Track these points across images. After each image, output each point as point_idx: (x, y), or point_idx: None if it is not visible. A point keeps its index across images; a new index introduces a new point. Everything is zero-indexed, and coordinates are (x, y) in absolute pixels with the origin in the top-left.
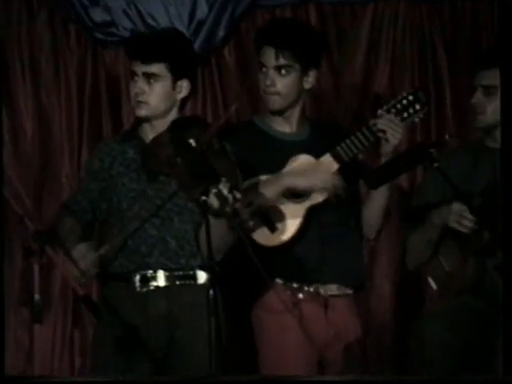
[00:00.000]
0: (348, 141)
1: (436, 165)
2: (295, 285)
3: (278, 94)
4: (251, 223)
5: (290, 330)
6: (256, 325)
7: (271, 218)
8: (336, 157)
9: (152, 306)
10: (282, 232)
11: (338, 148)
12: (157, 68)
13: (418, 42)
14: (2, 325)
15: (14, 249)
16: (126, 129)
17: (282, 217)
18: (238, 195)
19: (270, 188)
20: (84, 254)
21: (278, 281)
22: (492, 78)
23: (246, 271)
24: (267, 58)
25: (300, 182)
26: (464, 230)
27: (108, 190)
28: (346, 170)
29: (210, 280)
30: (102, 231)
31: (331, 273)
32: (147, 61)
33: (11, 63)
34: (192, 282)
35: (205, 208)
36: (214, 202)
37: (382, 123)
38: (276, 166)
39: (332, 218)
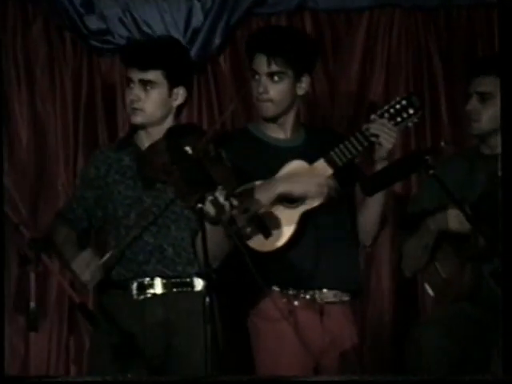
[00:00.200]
0: (341, 146)
1: (431, 172)
2: (291, 292)
3: (270, 100)
4: (248, 230)
5: (285, 337)
6: (252, 332)
7: (265, 224)
8: (330, 162)
9: (149, 314)
10: (277, 237)
11: (332, 153)
12: (153, 75)
13: (413, 50)
14: (2, 325)
15: (10, 256)
16: (121, 136)
17: (276, 222)
18: (235, 202)
19: (264, 194)
20: (89, 262)
21: (275, 288)
22: (487, 84)
23: (243, 278)
24: (259, 65)
25: (294, 188)
26: (464, 231)
27: (104, 197)
28: (342, 175)
29: (206, 287)
30: (97, 239)
31: (327, 278)
32: (144, 68)
33: (6, 71)
34: (189, 289)
35: (201, 215)
36: (210, 209)
37: (374, 127)
38: (271, 172)
39: (327, 223)
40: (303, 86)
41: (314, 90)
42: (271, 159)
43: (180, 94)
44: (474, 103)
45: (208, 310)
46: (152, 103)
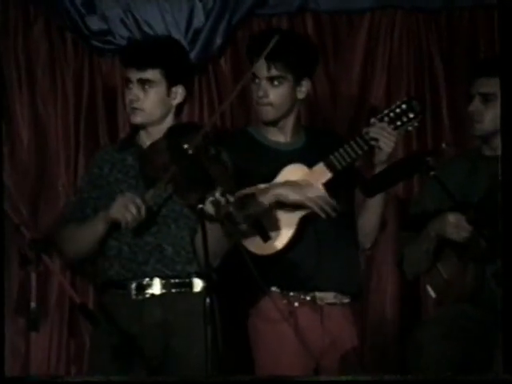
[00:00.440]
0: (341, 150)
1: (432, 173)
2: (292, 293)
3: (270, 104)
4: (244, 226)
5: (285, 338)
6: (252, 333)
7: (264, 228)
8: (329, 166)
9: (147, 314)
10: (276, 241)
11: (332, 157)
12: (151, 74)
13: (414, 51)
14: (2, 325)
15: (11, 257)
16: (123, 136)
17: (275, 226)
18: (231, 198)
19: (262, 197)
20: (127, 202)
21: (275, 289)
22: (490, 85)
23: (243, 279)
24: (259, 69)
25: (291, 196)
26: (461, 240)
27: (105, 196)
28: (341, 178)
29: (206, 288)
30: None
31: (327, 280)
32: (142, 67)
33: (7, 71)
34: (188, 289)
35: (202, 216)
36: (210, 209)
37: (374, 131)
38: (271, 175)
39: (328, 226)
40: (303, 90)
41: (315, 91)
42: (271, 162)
43: (179, 92)
44: (476, 104)
45: (208, 311)
46: (151, 102)
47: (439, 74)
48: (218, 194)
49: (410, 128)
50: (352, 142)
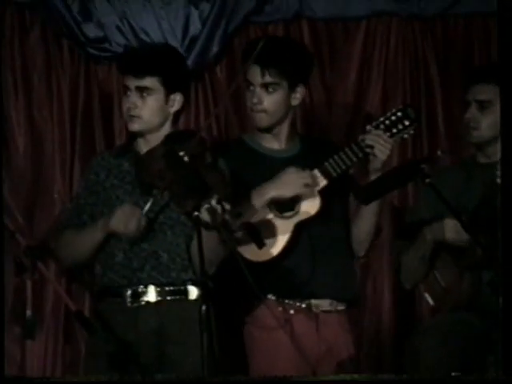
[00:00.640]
0: (336, 157)
1: (428, 180)
2: (287, 301)
3: (264, 111)
4: (239, 233)
5: (281, 345)
6: (248, 340)
7: (259, 234)
8: (324, 173)
9: (143, 322)
10: (271, 248)
11: (326, 164)
12: (149, 82)
13: (410, 59)
14: (2, 325)
15: (6, 264)
16: (121, 143)
17: (270, 232)
18: (227, 206)
19: (257, 199)
20: (129, 214)
21: (270, 297)
22: (486, 92)
23: (238, 287)
24: (253, 75)
25: (285, 192)
26: (461, 244)
27: (101, 202)
28: (336, 185)
29: (202, 295)
30: None
31: (323, 287)
32: (140, 75)
33: (4, 78)
34: (183, 297)
35: (197, 223)
36: (206, 217)
37: (369, 138)
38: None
39: (322, 233)
40: (297, 97)
41: (311, 98)
42: (266, 170)
43: (177, 100)
44: (473, 111)
45: (204, 318)
46: (149, 110)
47: (435, 81)
48: (213, 202)
49: (405, 136)
50: (347, 149)
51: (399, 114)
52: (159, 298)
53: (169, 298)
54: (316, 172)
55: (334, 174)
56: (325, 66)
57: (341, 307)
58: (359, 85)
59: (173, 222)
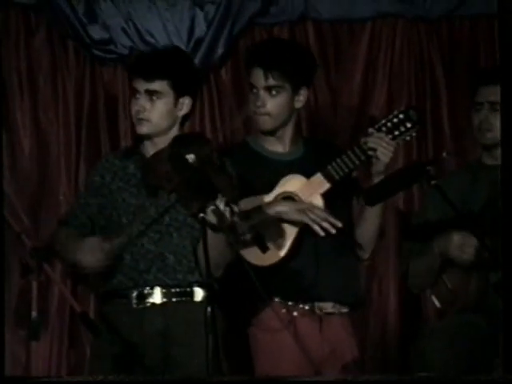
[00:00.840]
0: (339, 160)
1: (433, 182)
2: (290, 303)
3: (268, 114)
4: (248, 236)
5: (285, 347)
6: (252, 343)
7: (263, 239)
8: (327, 176)
9: (148, 323)
10: (275, 251)
11: (329, 167)
12: (159, 85)
13: (415, 61)
14: (2, 324)
15: (12, 266)
16: (126, 146)
17: (274, 236)
18: (236, 209)
19: (266, 210)
20: (94, 247)
21: (275, 299)
22: (498, 93)
23: (243, 289)
24: (257, 78)
25: (291, 215)
26: (463, 262)
27: (108, 205)
28: (340, 188)
29: (208, 297)
30: None
31: (326, 290)
32: (150, 78)
33: (9, 80)
34: (189, 298)
35: (203, 225)
36: (212, 218)
37: (372, 141)
38: (269, 186)
39: (326, 236)
40: (301, 99)
41: (316, 100)
42: (270, 173)
43: (186, 103)
44: (485, 113)
45: (209, 320)
46: (158, 113)
47: (440, 82)
48: (221, 204)
49: (407, 138)
50: (349, 152)
51: (401, 116)
52: (165, 300)
53: (174, 299)
54: (319, 175)
55: (337, 177)
56: (330, 67)
57: (344, 310)
58: (364, 86)
59: (179, 224)
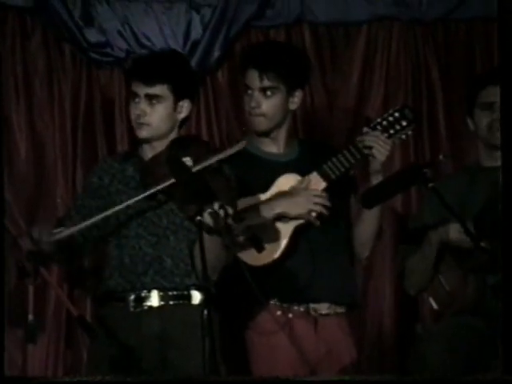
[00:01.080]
0: (334, 159)
1: (430, 185)
2: (285, 304)
3: (263, 115)
4: (241, 238)
5: (280, 349)
6: (248, 346)
7: (259, 238)
8: (323, 175)
9: (145, 326)
10: (270, 252)
11: (325, 166)
12: (160, 89)
13: (411, 63)
14: (2, 324)
15: (8, 269)
16: (124, 149)
17: (269, 236)
18: (230, 211)
19: (264, 212)
20: (43, 230)
21: (270, 301)
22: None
23: (240, 292)
24: (252, 80)
25: (291, 210)
26: (465, 245)
27: (106, 207)
28: (337, 187)
29: (204, 301)
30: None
31: (321, 291)
32: (150, 82)
33: (5, 82)
34: (186, 302)
35: (200, 228)
36: (208, 221)
37: (367, 140)
38: (265, 187)
39: (322, 237)
40: (295, 101)
41: (312, 102)
42: (265, 173)
43: (185, 106)
44: (498, 112)
45: (206, 323)
46: (158, 117)
47: (436, 85)
48: (216, 207)
49: (403, 136)
50: (345, 151)
51: (396, 114)
52: (162, 303)
53: (172, 302)
54: (315, 175)
55: (333, 177)
56: (326, 70)
57: (340, 310)
58: (361, 89)
59: (176, 228)
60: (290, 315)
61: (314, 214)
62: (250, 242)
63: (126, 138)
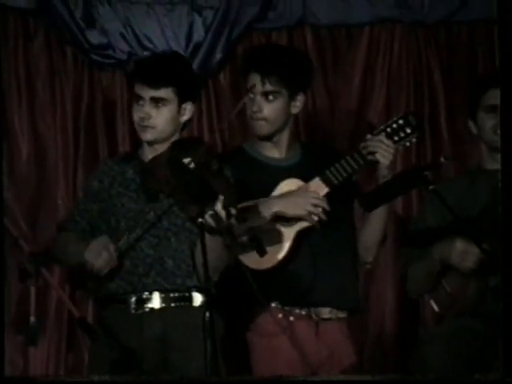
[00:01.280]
0: (337, 165)
1: (431, 187)
2: (287, 308)
3: (264, 119)
4: (244, 239)
5: (281, 352)
6: (249, 348)
7: (261, 242)
8: (325, 181)
9: (147, 328)
10: (272, 255)
11: (327, 172)
12: (165, 92)
13: (413, 66)
14: (3, 325)
15: (10, 271)
16: (124, 151)
17: (271, 240)
18: (233, 211)
19: (263, 210)
20: (102, 248)
21: (272, 304)
22: None
23: (241, 294)
24: (253, 84)
25: (288, 209)
26: (464, 270)
27: (107, 209)
28: (340, 192)
29: (206, 302)
30: None
31: (323, 295)
32: (156, 85)
33: (7, 84)
34: (187, 303)
35: (202, 230)
36: (210, 222)
37: (371, 145)
38: (267, 191)
39: (325, 241)
40: (297, 105)
41: (314, 104)
42: (267, 178)
43: (188, 109)
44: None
45: (208, 325)
46: (163, 120)
47: (438, 87)
48: (218, 207)
49: (407, 144)
50: (348, 157)
51: (400, 121)
52: (163, 305)
53: (173, 304)
54: (317, 180)
55: (336, 182)
56: (328, 72)
57: (342, 315)
58: (363, 91)
59: (177, 229)
60: (292, 318)
61: (315, 218)
62: (252, 246)
63: (128, 139)
